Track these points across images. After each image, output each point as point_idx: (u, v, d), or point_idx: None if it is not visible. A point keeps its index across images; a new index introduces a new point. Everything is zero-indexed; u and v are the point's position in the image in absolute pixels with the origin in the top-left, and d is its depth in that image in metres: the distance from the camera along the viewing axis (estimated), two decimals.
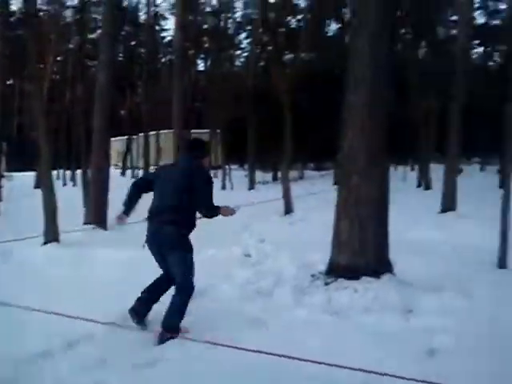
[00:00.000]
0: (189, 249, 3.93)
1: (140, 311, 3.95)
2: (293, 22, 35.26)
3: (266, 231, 9.15)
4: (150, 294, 4.01)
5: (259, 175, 27.25)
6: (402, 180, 23.91)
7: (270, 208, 12.34)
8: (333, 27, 34.80)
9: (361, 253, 4.81)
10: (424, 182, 20.04)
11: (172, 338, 3.66)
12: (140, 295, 3.99)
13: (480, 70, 33.10)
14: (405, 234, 8.10)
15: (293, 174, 27.98)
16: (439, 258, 6.12)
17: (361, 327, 3.92)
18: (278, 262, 6.30)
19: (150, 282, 4.06)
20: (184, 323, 3.87)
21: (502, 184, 6.92)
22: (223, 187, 22.57)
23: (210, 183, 3.95)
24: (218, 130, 30.57)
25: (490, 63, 36.81)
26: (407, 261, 5.79)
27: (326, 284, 4.83)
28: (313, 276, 5.14)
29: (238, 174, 26.28)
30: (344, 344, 3.60)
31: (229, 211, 4.09)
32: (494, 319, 3.89)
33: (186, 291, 3.86)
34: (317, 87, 27.86)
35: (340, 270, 4.88)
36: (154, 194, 4.05)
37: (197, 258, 6.26)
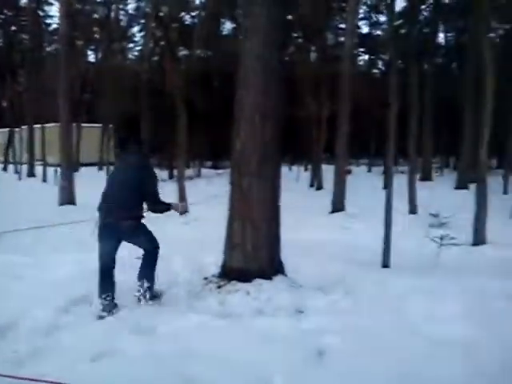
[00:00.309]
0: (146, 228, 4.55)
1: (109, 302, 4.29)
2: (187, 19, 34.94)
3: (159, 231, 8.87)
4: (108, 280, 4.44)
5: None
6: (295, 180, 24.74)
7: None
8: (228, 26, 35.09)
9: (253, 255, 4.79)
10: (316, 182, 20.84)
11: (149, 287, 4.42)
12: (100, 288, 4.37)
13: (366, 77, 35.29)
14: (296, 234, 8.33)
15: (189, 172, 27.73)
16: (328, 258, 6.33)
17: (253, 330, 3.87)
18: (171, 264, 6.11)
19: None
20: (63, 336, 3.71)
21: (385, 185, 7.39)
22: None
23: (156, 179, 4.47)
24: (111, 125, 29.28)
25: (375, 71, 39.41)
26: (298, 262, 5.91)
27: (219, 287, 4.76)
28: (205, 279, 5.04)
29: None
30: (234, 348, 3.53)
31: (181, 207, 4.75)
32: (377, 318, 4.06)
33: (155, 252, 4.61)
34: (213, 84, 27.92)
35: (233, 272, 4.82)
36: (107, 189, 4.46)
37: (82, 263, 5.93)
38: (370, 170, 33.25)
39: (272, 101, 4.77)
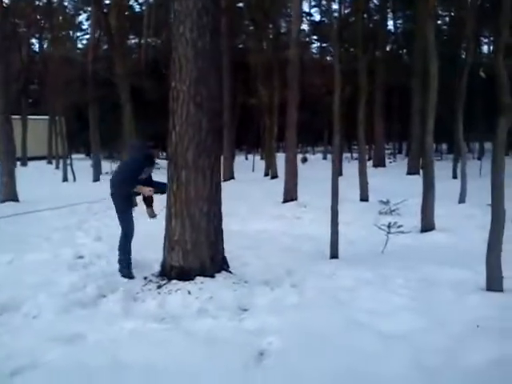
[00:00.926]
0: (126, 210, 5.24)
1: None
2: (136, 6, 33.99)
3: (104, 227, 8.49)
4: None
5: (107, 166, 25.73)
6: (251, 169, 24.60)
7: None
8: None
9: (194, 252, 4.55)
10: (271, 171, 20.64)
11: (121, 262, 5.17)
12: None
13: (321, 64, 35.36)
14: (248, 225, 8.14)
15: None
16: (277, 250, 6.17)
17: (193, 333, 3.65)
18: (110, 262, 5.77)
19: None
20: None
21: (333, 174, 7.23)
22: (65, 179, 20.62)
23: (132, 166, 5.23)
24: (58, 117, 28.06)
25: (328, 58, 39.51)
26: (246, 255, 5.75)
27: (159, 287, 4.50)
28: (145, 279, 4.77)
29: (85, 164, 24.36)
30: (171, 355, 3.30)
31: (144, 190, 5.14)
32: (324, 313, 3.91)
33: (123, 235, 5.24)
34: (163, 73, 27.26)
35: (173, 271, 4.58)
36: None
37: (12, 263, 5.52)
38: (325, 158, 33.39)
39: (208, 90, 4.50)
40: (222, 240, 4.82)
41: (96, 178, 20.11)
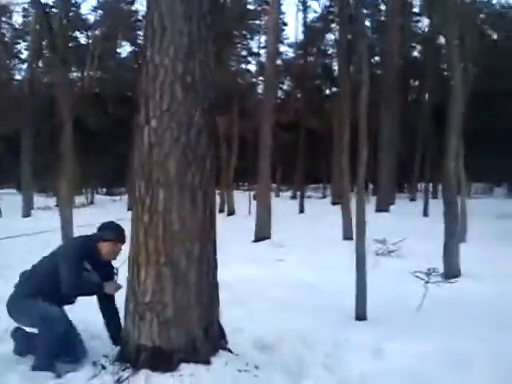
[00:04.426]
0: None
1: None
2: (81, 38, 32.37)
3: None
4: None
5: (40, 200, 23.08)
6: None
7: (46, 239, 9.67)
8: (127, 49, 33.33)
9: (177, 322, 2.74)
10: (227, 207, 18.95)
11: None
12: None
13: None
14: (221, 270, 6.36)
15: (81, 199, 24.76)
16: (277, 309, 4.37)
17: None
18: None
19: None
20: None
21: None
22: None
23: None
24: None
25: None
26: (238, 316, 4.03)
27: (119, 381, 2.70)
28: (94, 364, 2.93)
29: (17, 199, 21.58)
30: None
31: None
32: None
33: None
34: (107, 108, 25.75)
35: (143, 354, 2.77)
36: None
37: None
38: (278, 195, 32.07)
39: (203, 68, 2.89)
40: (218, 300, 3.08)
41: (26, 214, 17.72)
